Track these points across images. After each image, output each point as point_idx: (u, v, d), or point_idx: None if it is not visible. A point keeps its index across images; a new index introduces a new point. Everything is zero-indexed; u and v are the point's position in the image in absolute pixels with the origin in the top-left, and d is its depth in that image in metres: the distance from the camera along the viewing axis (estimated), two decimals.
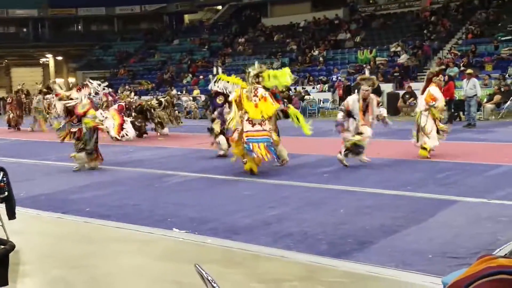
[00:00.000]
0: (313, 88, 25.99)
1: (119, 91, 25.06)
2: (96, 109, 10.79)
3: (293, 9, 36.59)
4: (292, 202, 7.11)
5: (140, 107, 16.33)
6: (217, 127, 11.33)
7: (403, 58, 25.88)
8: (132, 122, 15.37)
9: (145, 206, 7.15)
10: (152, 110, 16.15)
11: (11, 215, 5.40)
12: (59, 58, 45.06)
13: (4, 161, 9.98)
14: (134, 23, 46.14)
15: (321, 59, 29.37)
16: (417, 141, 10.37)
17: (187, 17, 47.11)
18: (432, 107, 10.29)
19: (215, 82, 10.44)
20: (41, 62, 46.05)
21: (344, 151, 9.50)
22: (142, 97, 22.30)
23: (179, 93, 25.95)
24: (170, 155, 12.40)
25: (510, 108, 19.03)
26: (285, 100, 15.11)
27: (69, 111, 10.36)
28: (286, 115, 9.90)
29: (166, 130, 16.36)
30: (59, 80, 13.41)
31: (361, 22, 32.67)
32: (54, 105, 11.51)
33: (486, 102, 19.15)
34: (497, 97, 19.14)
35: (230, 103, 10.75)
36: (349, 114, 9.59)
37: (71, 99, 10.32)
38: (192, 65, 34.80)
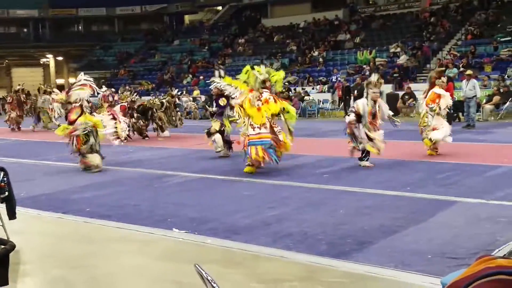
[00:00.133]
0: (313, 88, 26.00)
1: (119, 92, 25.06)
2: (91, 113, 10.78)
3: (293, 9, 36.60)
4: (292, 202, 7.12)
5: (143, 107, 16.30)
6: (215, 125, 11.33)
7: (402, 59, 25.89)
8: (133, 124, 15.44)
9: (145, 206, 7.16)
10: (154, 110, 16.12)
11: (12, 215, 5.41)
12: (60, 58, 45.08)
13: (5, 161, 9.99)
14: (134, 24, 46.16)
15: (320, 59, 29.38)
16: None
17: (187, 18, 47.14)
18: (431, 109, 10.33)
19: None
20: (41, 62, 46.08)
21: (363, 156, 9.53)
22: (143, 98, 22.31)
23: (179, 93, 25.95)
24: (170, 155, 12.41)
25: (509, 109, 19.05)
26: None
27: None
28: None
29: (166, 133, 16.28)
30: (59, 81, 13.42)
31: (361, 23, 32.69)
32: (52, 109, 11.57)
33: (485, 103, 19.16)
34: (496, 98, 19.15)
35: (232, 106, 10.79)
36: (359, 117, 9.55)
37: (69, 102, 10.33)
38: (192, 66, 34.83)
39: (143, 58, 40.58)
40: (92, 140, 10.14)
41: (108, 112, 11.70)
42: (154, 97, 20.78)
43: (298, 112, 21.75)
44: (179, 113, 17.41)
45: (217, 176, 9.26)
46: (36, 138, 17.77)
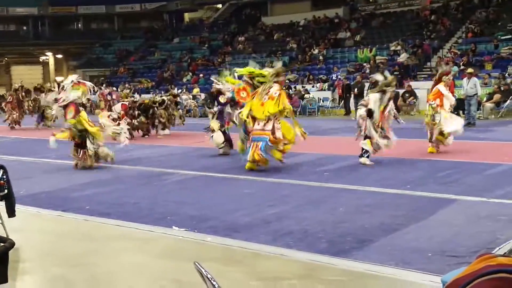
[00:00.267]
0: (313, 86, 25.97)
1: (119, 90, 25.06)
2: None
3: (293, 7, 36.55)
4: (292, 200, 7.12)
5: (144, 105, 16.29)
6: (214, 125, 11.34)
7: (403, 57, 25.86)
8: (131, 123, 15.42)
9: (145, 204, 7.16)
10: (156, 109, 16.10)
11: (11, 213, 5.41)
12: (59, 56, 45.03)
13: (4, 159, 9.98)
14: (134, 21, 46.12)
15: (321, 57, 29.35)
16: (430, 140, 10.53)
17: (187, 16, 47.07)
18: (431, 106, 10.38)
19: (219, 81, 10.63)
20: (41, 60, 46.02)
21: (364, 152, 9.55)
22: (142, 96, 22.28)
23: (179, 91, 25.95)
24: (170, 153, 12.40)
25: (509, 107, 19.03)
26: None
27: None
28: None
29: (167, 131, 16.28)
30: (59, 79, 13.40)
31: (361, 21, 32.65)
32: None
33: (486, 101, 19.14)
34: (496, 96, 19.14)
35: (231, 102, 10.80)
36: (370, 113, 9.55)
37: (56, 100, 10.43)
38: (192, 64, 34.79)
39: (143, 56, 40.53)
40: (89, 144, 10.13)
41: (105, 110, 11.72)
42: (155, 94, 20.74)
43: (298, 110, 21.77)
44: (180, 110, 17.39)
45: (217, 174, 9.26)
46: (36, 136, 17.76)
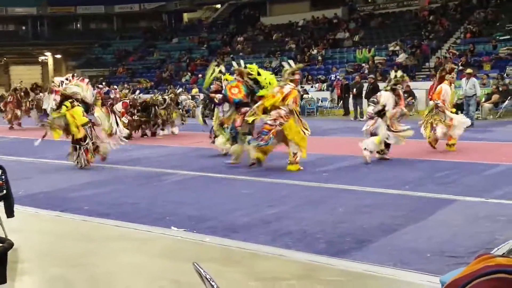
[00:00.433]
0: (312, 87, 25.97)
1: (118, 90, 25.00)
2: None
3: (292, 8, 36.56)
4: (291, 200, 7.12)
5: (145, 104, 16.27)
6: (215, 126, 11.33)
7: (401, 57, 25.88)
8: (130, 122, 15.38)
9: (143, 205, 7.15)
10: (157, 107, 16.08)
11: (10, 213, 5.39)
12: (58, 56, 45.02)
13: (3, 159, 9.96)
14: (133, 22, 46.11)
15: (319, 58, 29.36)
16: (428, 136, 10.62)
17: (186, 16, 47.07)
18: (436, 105, 10.49)
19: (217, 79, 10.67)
20: (40, 60, 46.00)
21: (380, 151, 9.66)
22: (143, 95, 22.23)
23: (180, 90, 25.93)
24: (169, 153, 12.40)
25: (508, 108, 19.05)
26: None
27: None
28: None
29: (166, 131, 16.27)
30: (58, 79, 13.39)
31: (360, 21, 32.67)
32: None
33: (484, 102, 19.17)
34: (495, 97, 19.16)
35: (225, 101, 10.81)
36: (380, 110, 9.59)
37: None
38: (191, 64, 34.80)
39: (142, 56, 40.53)
40: (88, 140, 10.15)
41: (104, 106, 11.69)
42: (156, 94, 20.70)
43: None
44: (180, 110, 17.39)
45: (216, 175, 9.26)
46: (35, 137, 17.71)
